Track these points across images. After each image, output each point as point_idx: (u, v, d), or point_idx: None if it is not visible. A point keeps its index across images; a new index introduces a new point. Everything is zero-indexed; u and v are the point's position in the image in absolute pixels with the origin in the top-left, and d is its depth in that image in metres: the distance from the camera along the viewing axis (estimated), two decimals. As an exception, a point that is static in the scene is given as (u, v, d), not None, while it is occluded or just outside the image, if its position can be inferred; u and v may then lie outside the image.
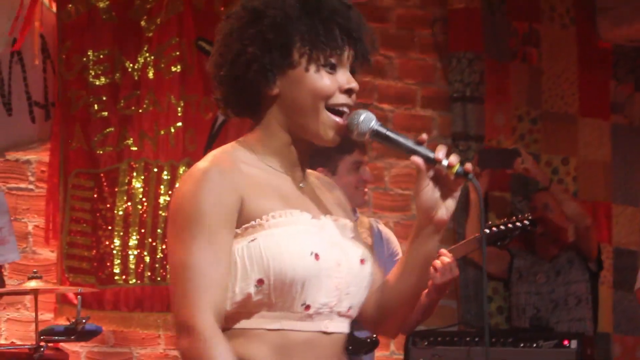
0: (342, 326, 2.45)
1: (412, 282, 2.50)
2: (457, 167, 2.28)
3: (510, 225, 4.87)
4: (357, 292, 2.41)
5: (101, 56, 5.53)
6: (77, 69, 5.51)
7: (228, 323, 2.31)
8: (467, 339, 5.61)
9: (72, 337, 4.10)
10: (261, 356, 2.32)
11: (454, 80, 6.58)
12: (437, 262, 4.53)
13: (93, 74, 5.50)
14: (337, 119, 2.29)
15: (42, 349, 3.95)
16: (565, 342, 5.45)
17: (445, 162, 2.26)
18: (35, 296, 4.28)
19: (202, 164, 2.31)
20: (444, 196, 2.33)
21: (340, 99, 2.28)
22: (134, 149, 5.57)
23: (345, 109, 2.28)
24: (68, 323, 4.20)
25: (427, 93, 6.64)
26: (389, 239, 4.99)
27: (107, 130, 5.54)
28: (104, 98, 5.52)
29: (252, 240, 2.26)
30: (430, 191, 2.33)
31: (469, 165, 2.30)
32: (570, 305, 6.06)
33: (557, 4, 6.97)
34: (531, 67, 6.84)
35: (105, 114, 5.54)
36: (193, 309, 2.21)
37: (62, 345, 4.43)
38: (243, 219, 2.28)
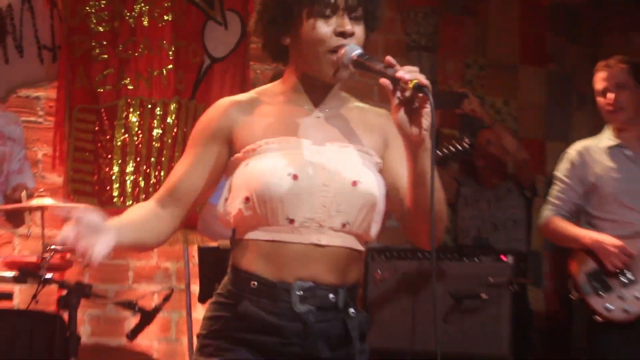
0: (339, 240, 2.53)
1: (418, 196, 2.52)
2: (414, 82, 2.31)
3: (452, 149, 5.20)
4: (352, 210, 2.53)
5: (102, 6, 5.70)
6: (81, 17, 5.66)
7: (236, 236, 2.56)
8: (418, 254, 5.76)
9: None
10: (256, 263, 2.51)
11: (411, 32, 6.80)
12: None
13: (95, 21, 5.68)
14: (333, 57, 2.48)
15: (48, 258, 4.15)
16: (502, 257, 5.66)
17: (407, 77, 2.30)
18: (42, 213, 4.54)
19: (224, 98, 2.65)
20: (415, 114, 2.38)
21: (335, 41, 2.47)
22: (131, 87, 5.74)
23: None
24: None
25: (387, 42, 6.79)
26: None
27: (107, 71, 5.72)
28: (104, 43, 5.70)
29: (246, 165, 2.51)
30: (401, 111, 2.40)
31: (423, 78, 2.31)
32: (508, 227, 6.30)
33: None
34: (479, 21, 7.03)
35: (105, 56, 5.71)
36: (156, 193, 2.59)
37: (66, 256, 4.59)
38: (240, 143, 2.56)
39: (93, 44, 5.75)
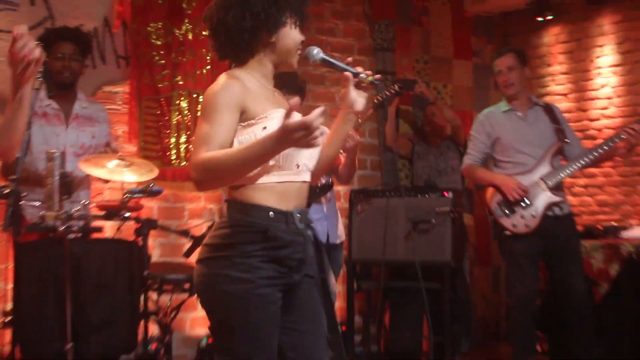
0: (309, 178, 2.65)
1: (333, 149, 2.75)
2: (370, 77, 2.58)
3: (388, 93, 5.10)
4: (316, 155, 2.64)
5: (159, 26, 5.68)
6: (144, 35, 5.65)
7: (251, 180, 2.49)
8: (387, 193, 5.73)
9: (145, 194, 4.19)
10: (270, 199, 2.51)
11: (377, 38, 6.73)
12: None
13: (154, 37, 5.67)
14: (299, 53, 2.61)
15: (126, 202, 4.12)
16: (445, 194, 5.61)
17: (363, 75, 2.51)
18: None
19: (222, 78, 2.52)
20: (361, 96, 2.60)
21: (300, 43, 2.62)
22: (181, 83, 5.73)
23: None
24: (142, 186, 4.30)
25: (361, 46, 6.80)
26: (323, 130, 5.20)
27: (164, 72, 5.71)
28: (162, 52, 5.69)
29: (264, 128, 2.47)
30: (354, 93, 2.58)
31: (378, 75, 2.58)
32: (448, 172, 6.31)
33: None
34: (423, 29, 6.98)
35: (163, 62, 5.70)
36: (198, 152, 2.41)
37: (141, 201, 4.54)
38: (251, 114, 2.50)
39: (154, 53, 5.72)
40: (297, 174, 2.59)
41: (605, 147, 4.88)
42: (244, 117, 2.52)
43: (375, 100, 5.17)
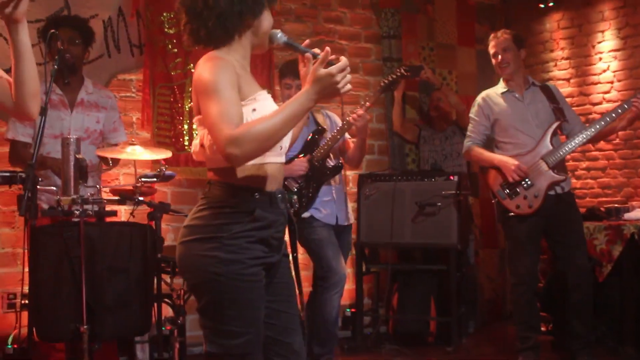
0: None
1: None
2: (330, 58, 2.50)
3: (395, 76, 5.01)
4: (290, 134, 2.59)
5: (171, 15, 5.59)
6: (157, 24, 5.58)
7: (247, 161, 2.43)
8: (394, 177, 5.81)
9: (158, 179, 4.10)
10: (254, 180, 2.49)
11: (383, 25, 6.65)
12: (354, 114, 4.63)
13: (167, 26, 5.60)
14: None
15: (139, 187, 4.04)
16: (451, 177, 5.67)
17: (319, 56, 2.43)
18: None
19: (214, 60, 2.47)
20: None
21: None
22: (193, 70, 5.47)
23: None
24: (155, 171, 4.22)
25: (367, 33, 6.70)
26: (334, 117, 5.14)
27: (177, 60, 5.65)
28: (174, 41, 5.59)
29: (254, 110, 2.47)
30: (311, 70, 2.45)
31: (333, 56, 2.45)
32: (454, 157, 6.23)
33: None
34: (428, 17, 6.88)
35: (175, 50, 5.62)
36: (228, 133, 2.32)
37: (154, 186, 4.42)
38: (243, 96, 2.45)
39: (167, 42, 5.66)
40: (279, 155, 2.60)
41: (608, 119, 4.84)
42: (242, 95, 2.50)
43: (382, 83, 5.10)
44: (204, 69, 2.46)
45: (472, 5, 7.18)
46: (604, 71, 6.66)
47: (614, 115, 4.82)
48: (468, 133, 5.14)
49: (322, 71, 2.36)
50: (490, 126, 5.04)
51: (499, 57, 5.02)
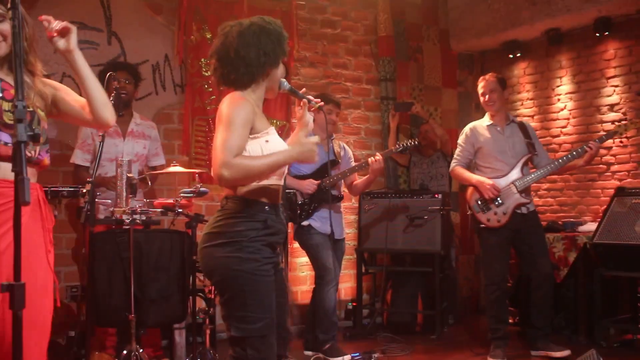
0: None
1: None
2: (318, 105, 2.72)
3: (405, 144, 5.04)
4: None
5: (208, 61, 5.59)
6: (196, 68, 5.58)
7: (254, 182, 2.52)
8: (389, 195, 5.82)
9: (194, 194, 4.09)
10: (264, 196, 2.56)
11: (382, 70, 6.63)
12: (372, 158, 4.76)
13: (204, 69, 5.57)
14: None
15: (179, 200, 4.02)
16: (436, 195, 5.66)
17: (313, 102, 2.59)
18: (175, 176, 4.47)
19: (238, 98, 2.54)
20: (311, 117, 2.71)
21: None
22: None
23: None
24: (192, 188, 4.19)
25: (369, 77, 6.68)
26: (348, 150, 5.15)
27: (212, 97, 5.63)
28: (210, 82, 5.58)
29: (267, 142, 2.52)
30: (307, 114, 2.67)
31: (322, 103, 2.67)
32: (439, 178, 6.18)
33: (431, 33, 6.98)
34: (418, 64, 6.87)
35: (211, 89, 5.62)
36: (224, 158, 2.38)
37: (191, 200, 4.41)
38: (256, 130, 2.50)
39: (204, 82, 5.66)
40: (280, 179, 2.65)
41: (567, 160, 4.83)
42: (252, 131, 2.52)
43: (396, 146, 5.18)
44: (227, 104, 2.53)
45: (454, 55, 7.17)
46: (562, 110, 6.64)
47: (574, 153, 4.81)
48: (455, 156, 5.08)
49: (306, 139, 2.56)
50: (474, 152, 5.00)
51: (487, 96, 4.96)
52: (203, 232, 2.61)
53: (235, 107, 2.49)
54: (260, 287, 2.50)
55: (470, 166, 5.06)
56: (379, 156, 4.80)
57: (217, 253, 2.50)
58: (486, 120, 5.04)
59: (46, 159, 2.39)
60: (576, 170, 5.90)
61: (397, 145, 5.16)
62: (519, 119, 5.41)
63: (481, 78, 5.08)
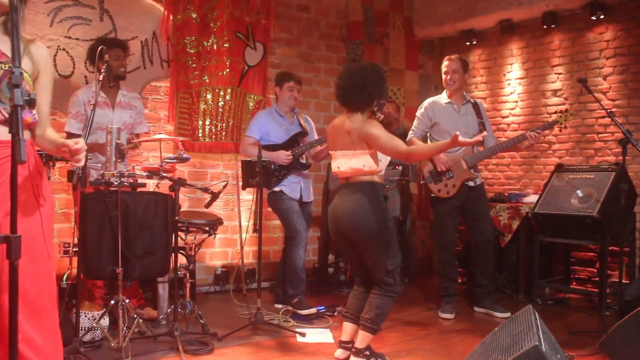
0: None
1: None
2: None
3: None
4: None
5: (192, 39, 5.49)
6: (181, 45, 5.46)
7: (375, 172, 3.32)
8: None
9: (177, 160, 4.01)
10: (378, 179, 3.40)
11: (351, 52, 6.61)
12: None
13: (189, 47, 5.47)
14: None
15: (163, 165, 3.96)
16: (397, 167, 5.63)
17: None
18: (160, 142, 4.26)
19: (367, 120, 3.38)
20: None
21: None
22: (208, 81, 5.54)
23: None
24: (175, 155, 4.10)
25: (339, 58, 6.64)
26: (310, 122, 5.09)
27: (195, 73, 5.51)
28: (194, 58, 5.49)
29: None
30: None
31: None
32: None
33: (397, 20, 6.93)
34: (384, 47, 6.85)
35: (195, 65, 5.51)
36: (403, 146, 3.27)
37: (175, 165, 4.29)
38: None
39: (187, 59, 5.54)
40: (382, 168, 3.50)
41: (511, 143, 4.85)
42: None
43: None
44: (371, 125, 3.36)
45: (416, 41, 7.16)
46: (511, 93, 6.69)
47: (516, 139, 4.82)
48: (412, 127, 5.03)
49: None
50: (430, 126, 4.95)
51: (449, 75, 4.88)
52: (344, 204, 3.41)
53: (376, 124, 3.40)
54: (393, 231, 3.42)
55: (426, 138, 5.04)
56: None
57: (370, 208, 3.34)
58: (444, 97, 4.99)
59: (29, 118, 2.32)
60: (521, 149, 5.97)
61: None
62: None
63: (447, 57, 4.97)
